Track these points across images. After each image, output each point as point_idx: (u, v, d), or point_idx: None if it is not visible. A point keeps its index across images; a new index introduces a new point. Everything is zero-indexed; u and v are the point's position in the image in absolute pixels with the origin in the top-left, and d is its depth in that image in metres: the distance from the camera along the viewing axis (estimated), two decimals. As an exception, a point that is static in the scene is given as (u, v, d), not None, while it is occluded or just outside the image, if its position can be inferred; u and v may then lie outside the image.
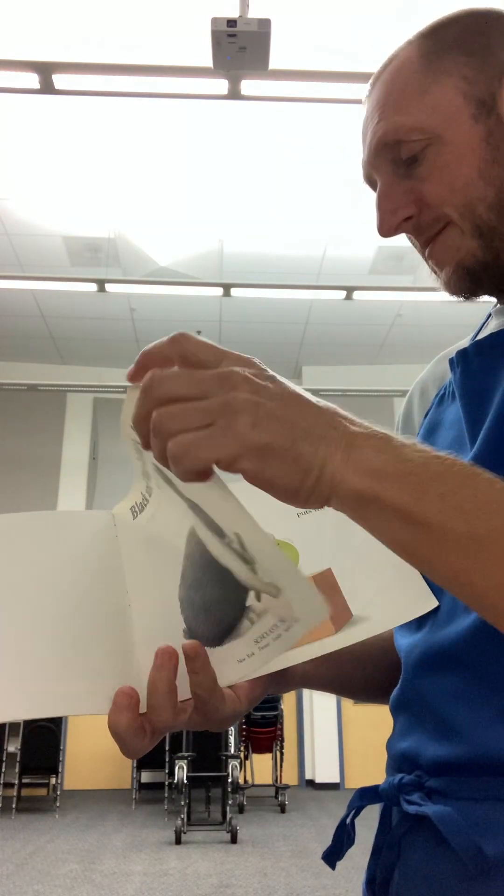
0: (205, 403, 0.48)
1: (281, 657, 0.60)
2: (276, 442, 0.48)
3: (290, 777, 9.21)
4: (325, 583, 0.66)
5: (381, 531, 0.51)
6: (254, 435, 0.48)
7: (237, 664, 0.59)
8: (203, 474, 0.49)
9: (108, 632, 0.63)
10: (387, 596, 0.67)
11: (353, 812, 0.67)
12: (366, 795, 0.67)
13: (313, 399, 0.52)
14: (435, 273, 0.73)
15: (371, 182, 0.75)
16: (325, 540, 0.69)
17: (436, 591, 0.66)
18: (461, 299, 0.73)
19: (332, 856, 0.67)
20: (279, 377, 0.52)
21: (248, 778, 8.37)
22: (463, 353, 0.72)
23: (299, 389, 0.52)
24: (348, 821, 0.67)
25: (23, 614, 0.62)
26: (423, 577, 0.66)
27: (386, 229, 0.71)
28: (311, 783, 9.33)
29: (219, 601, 0.61)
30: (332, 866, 0.67)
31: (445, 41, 0.70)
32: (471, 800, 0.57)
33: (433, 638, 0.65)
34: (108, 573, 0.66)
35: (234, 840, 6.00)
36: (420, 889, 0.59)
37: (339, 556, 0.68)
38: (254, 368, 0.51)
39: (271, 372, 0.52)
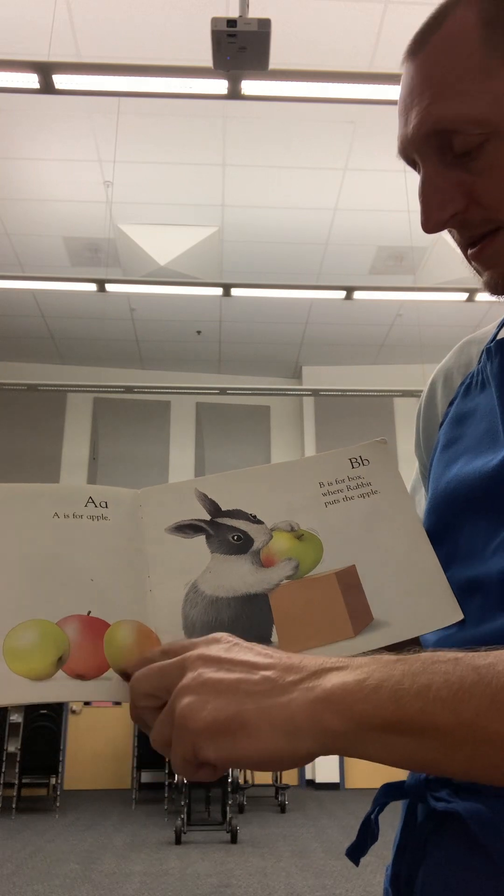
0: (166, 711, 0.49)
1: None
2: (220, 715, 0.46)
3: (290, 777, 9.21)
4: (347, 580, 0.64)
5: (391, 757, 0.47)
6: (198, 718, 0.46)
7: None
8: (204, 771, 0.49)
9: (129, 615, 0.61)
10: (411, 601, 0.63)
11: (377, 808, 0.65)
12: (391, 792, 0.64)
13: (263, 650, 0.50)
14: (477, 272, 0.68)
15: (409, 160, 0.67)
16: (353, 533, 0.66)
17: (462, 599, 0.63)
18: (497, 298, 0.68)
19: (356, 851, 0.64)
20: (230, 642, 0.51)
21: (248, 778, 8.37)
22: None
23: (260, 650, 0.50)
24: (373, 817, 0.64)
25: (30, 583, 0.60)
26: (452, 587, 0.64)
27: (433, 225, 0.64)
28: (311, 783, 9.33)
29: (247, 614, 0.62)
30: (356, 862, 0.64)
31: None
32: (501, 797, 0.55)
33: (465, 635, 0.63)
34: (131, 554, 0.64)
35: (234, 840, 6.00)
36: (446, 889, 0.57)
37: (366, 552, 0.65)
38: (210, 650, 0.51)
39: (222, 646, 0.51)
